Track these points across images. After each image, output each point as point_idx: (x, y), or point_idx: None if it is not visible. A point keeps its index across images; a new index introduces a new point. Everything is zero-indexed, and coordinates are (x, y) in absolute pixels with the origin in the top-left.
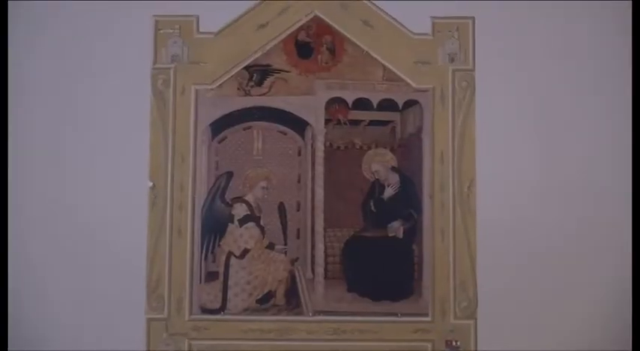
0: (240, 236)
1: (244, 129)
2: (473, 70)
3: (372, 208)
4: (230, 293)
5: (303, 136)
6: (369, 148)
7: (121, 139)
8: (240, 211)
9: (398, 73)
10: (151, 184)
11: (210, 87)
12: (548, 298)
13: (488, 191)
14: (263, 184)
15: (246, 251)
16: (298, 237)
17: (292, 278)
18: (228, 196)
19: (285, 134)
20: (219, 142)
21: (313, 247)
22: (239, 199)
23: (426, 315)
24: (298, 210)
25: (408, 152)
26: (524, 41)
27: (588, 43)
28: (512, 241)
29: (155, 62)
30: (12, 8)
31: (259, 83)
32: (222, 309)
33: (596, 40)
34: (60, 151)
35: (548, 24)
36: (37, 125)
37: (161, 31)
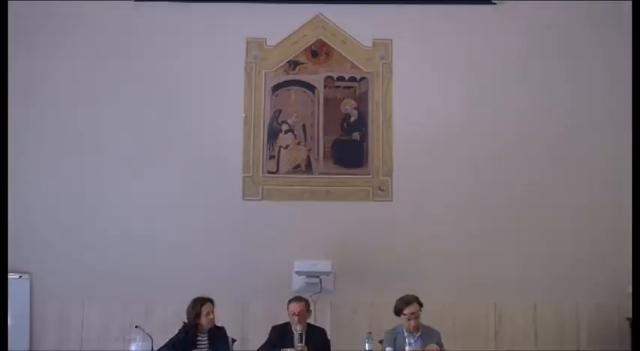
0: (284, 138)
1: (286, 89)
2: (391, 63)
3: (345, 126)
4: (280, 164)
5: (313, 93)
6: (344, 98)
7: (231, 96)
8: (284, 127)
9: (357, 64)
10: (244, 115)
11: (271, 70)
12: (429, 163)
13: (399, 119)
14: (295, 114)
15: (287, 146)
16: (312, 139)
17: (308, 158)
18: (279, 121)
19: (305, 92)
20: (276, 96)
21: (318, 143)
22: (284, 121)
23: (369, 175)
24: (312, 127)
25: (362, 101)
26: (418, 48)
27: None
28: (411, 141)
29: (246, 59)
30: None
31: (294, 69)
32: (277, 171)
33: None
34: (193, 107)
35: (435, 39)
36: (180, 95)
37: (249, 45)
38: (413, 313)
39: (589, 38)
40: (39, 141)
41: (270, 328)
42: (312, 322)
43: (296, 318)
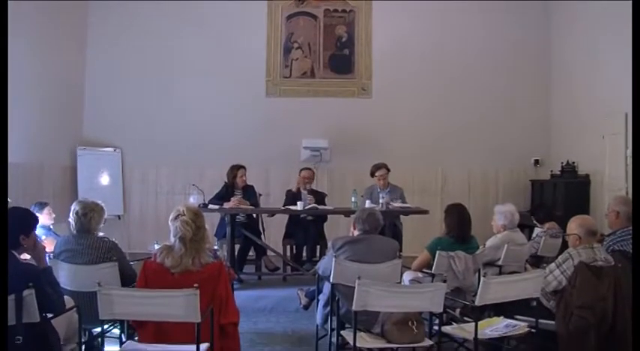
0: (295, 53)
1: (297, 18)
2: (371, 9)
3: (338, 44)
4: (292, 71)
5: (316, 21)
6: (337, 25)
7: (258, 24)
8: (295, 45)
9: (347, 0)
10: (265, 41)
11: (286, 5)
12: (399, 71)
13: (376, 39)
14: (303, 36)
15: (297, 58)
16: (314, 53)
17: (312, 67)
18: (291, 41)
19: (310, 20)
20: (289, 23)
21: (319, 57)
22: (295, 41)
23: (355, 79)
24: (314, 45)
25: (350, 27)
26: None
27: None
28: (386, 55)
29: (268, 9)
30: None
31: (302, 3)
32: (290, 76)
33: None
34: (235, 32)
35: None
36: (225, 25)
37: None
38: (382, 175)
39: None
40: (134, 56)
41: (285, 190)
42: (315, 184)
43: (307, 180)
